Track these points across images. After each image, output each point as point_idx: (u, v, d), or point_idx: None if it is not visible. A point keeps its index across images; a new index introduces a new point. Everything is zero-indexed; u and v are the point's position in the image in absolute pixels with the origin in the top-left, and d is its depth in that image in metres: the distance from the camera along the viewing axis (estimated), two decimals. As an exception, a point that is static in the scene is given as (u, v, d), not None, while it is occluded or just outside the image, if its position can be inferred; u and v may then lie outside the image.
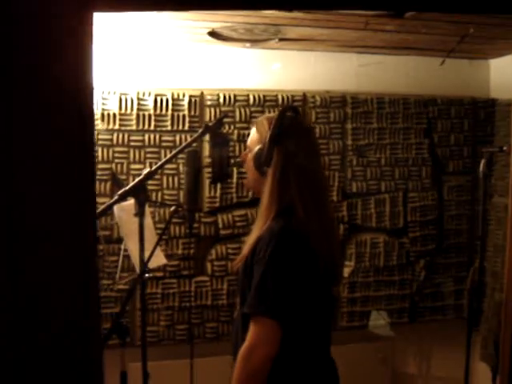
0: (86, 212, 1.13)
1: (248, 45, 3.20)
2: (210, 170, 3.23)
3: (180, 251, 3.28)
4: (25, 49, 1.08)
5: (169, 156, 2.26)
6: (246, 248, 1.95)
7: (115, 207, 2.44)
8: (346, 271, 3.55)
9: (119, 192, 2.10)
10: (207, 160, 3.23)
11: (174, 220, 3.20)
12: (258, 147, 2.00)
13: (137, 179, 2.15)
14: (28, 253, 1.11)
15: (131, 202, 2.27)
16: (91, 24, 1.11)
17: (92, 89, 1.13)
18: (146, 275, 2.31)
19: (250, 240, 1.94)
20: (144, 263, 2.26)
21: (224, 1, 1.13)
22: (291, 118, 2.03)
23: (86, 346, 1.15)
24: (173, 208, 2.49)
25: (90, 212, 1.14)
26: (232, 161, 3.25)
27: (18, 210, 1.08)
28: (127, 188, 2.12)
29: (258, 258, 1.85)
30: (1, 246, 1.08)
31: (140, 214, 2.12)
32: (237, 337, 2.00)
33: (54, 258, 1.12)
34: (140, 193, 2.11)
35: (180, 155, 2.99)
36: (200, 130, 2.29)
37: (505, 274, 1.35)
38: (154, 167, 2.21)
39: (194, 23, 2.72)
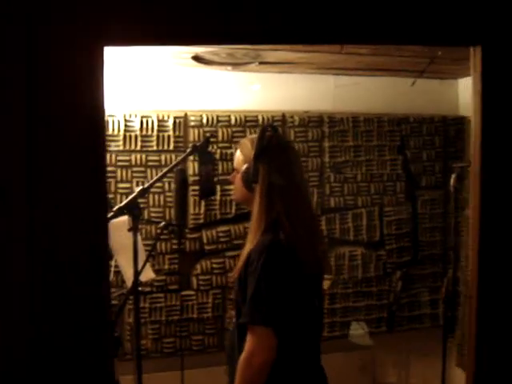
0: (98, 217, 1.26)
1: (229, 68, 3.32)
2: (195, 187, 3.35)
3: (166, 266, 3.39)
4: (45, 77, 1.21)
5: (160, 174, 2.38)
6: (239, 261, 2.08)
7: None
8: (326, 284, 3.66)
9: (114, 208, 2.21)
10: (191, 178, 3.36)
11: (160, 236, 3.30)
12: (244, 166, 2.13)
13: (131, 196, 2.26)
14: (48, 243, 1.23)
15: (124, 218, 2.38)
16: (102, 57, 1.24)
17: (104, 112, 1.26)
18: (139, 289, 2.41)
19: (243, 254, 2.07)
20: (136, 277, 2.36)
21: (221, 36, 1.27)
22: (271, 135, 2.17)
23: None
24: (162, 224, 2.60)
25: (102, 218, 1.28)
26: (216, 179, 3.37)
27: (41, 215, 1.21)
28: (122, 204, 2.23)
29: (250, 270, 1.97)
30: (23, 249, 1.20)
31: (134, 229, 2.23)
32: (232, 347, 2.12)
33: (70, 255, 1.24)
34: (134, 209, 2.23)
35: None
36: (188, 150, 2.41)
37: (469, 280, 1.49)
38: (146, 184, 2.32)
39: (179, 48, 2.83)
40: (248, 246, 2.06)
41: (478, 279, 1.39)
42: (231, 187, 3.26)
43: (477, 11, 1.38)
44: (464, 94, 3.92)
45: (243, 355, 1.95)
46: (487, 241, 1.41)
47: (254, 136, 2.19)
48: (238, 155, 2.22)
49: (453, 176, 3.35)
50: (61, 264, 1.24)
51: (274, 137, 2.16)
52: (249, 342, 1.95)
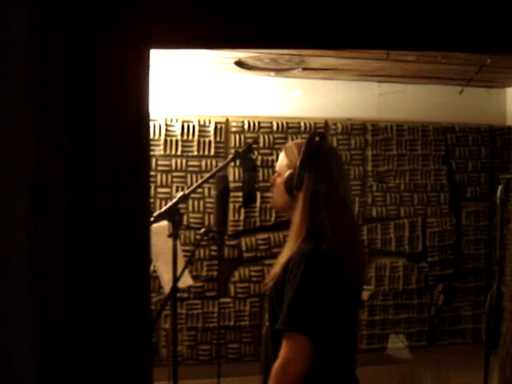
0: (140, 222, 1.23)
1: (272, 74, 3.29)
2: (235, 194, 3.32)
3: (204, 273, 3.36)
4: (90, 80, 1.19)
5: (202, 180, 2.35)
6: (277, 267, 2.02)
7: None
8: (366, 294, 3.60)
9: (155, 214, 2.19)
10: (232, 184, 3.32)
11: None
12: (288, 172, 2.08)
13: (171, 202, 2.24)
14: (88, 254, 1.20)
15: (164, 223, 2.36)
16: (148, 60, 1.22)
17: (149, 116, 1.23)
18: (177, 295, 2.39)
19: (281, 260, 2.02)
20: (175, 283, 2.33)
21: (268, 40, 1.24)
22: (320, 143, 2.11)
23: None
24: (203, 230, 2.57)
25: (145, 222, 1.25)
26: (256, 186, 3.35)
27: (83, 221, 1.18)
28: (162, 210, 2.21)
29: (289, 276, 1.92)
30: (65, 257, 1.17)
31: (174, 235, 2.20)
32: (266, 352, 2.07)
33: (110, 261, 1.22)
34: (175, 215, 2.21)
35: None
36: (230, 156, 2.39)
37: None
38: (187, 190, 2.30)
39: (222, 53, 2.82)
40: (286, 253, 2.01)
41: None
42: (271, 194, 3.23)
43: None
44: (512, 103, 3.83)
45: (278, 363, 1.90)
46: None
47: (301, 141, 2.14)
48: (283, 159, 2.17)
49: (499, 187, 3.25)
50: (101, 268, 1.22)
51: (321, 144, 2.11)
52: (284, 350, 1.89)
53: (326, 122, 3.55)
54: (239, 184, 3.31)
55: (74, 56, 1.17)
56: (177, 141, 3.32)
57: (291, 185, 2.04)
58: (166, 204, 2.46)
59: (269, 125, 3.45)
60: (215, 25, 1.24)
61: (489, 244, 3.80)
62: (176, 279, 2.28)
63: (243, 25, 1.25)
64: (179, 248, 2.77)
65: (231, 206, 3.34)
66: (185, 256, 3.02)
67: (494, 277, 3.61)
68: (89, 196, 1.20)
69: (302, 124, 3.49)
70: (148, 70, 1.22)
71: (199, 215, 3.33)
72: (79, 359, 1.21)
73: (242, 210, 3.38)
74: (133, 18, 1.19)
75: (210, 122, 3.36)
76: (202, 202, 3.33)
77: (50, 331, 1.19)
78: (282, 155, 2.18)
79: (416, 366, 3.75)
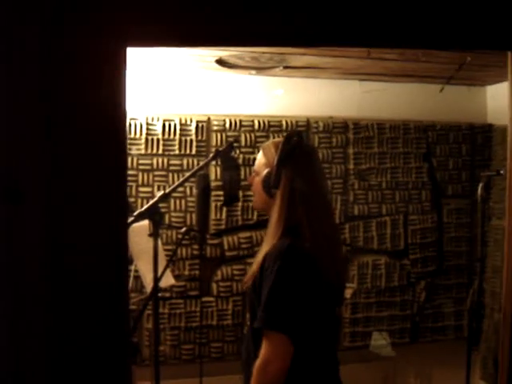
0: (118, 221, 1.22)
1: (254, 72, 3.29)
2: (216, 192, 3.31)
3: (187, 272, 3.35)
4: (66, 77, 1.17)
5: (182, 179, 2.34)
6: (254, 265, 2.03)
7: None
8: (348, 292, 3.61)
9: (135, 213, 2.17)
10: (213, 183, 3.31)
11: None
12: (266, 171, 2.08)
13: (152, 201, 2.23)
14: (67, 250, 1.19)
15: (145, 223, 2.34)
16: (125, 57, 1.21)
17: (125, 112, 1.22)
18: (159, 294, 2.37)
19: (258, 257, 2.02)
20: (156, 283, 2.32)
21: (246, 38, 1.23)
22: (297, 142, 2.11)
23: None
24: (184, 229, 2.56)
25: (122, 222, 1.24)
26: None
27: (60, 225, 1.17)
28: (142, 210, 2.20)
29: (266, 274, 1.92)
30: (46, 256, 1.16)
31: (155, 234, 2.19)
32: (247, 352, 2.06)
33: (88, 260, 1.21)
34: (155, 214, 2.19)
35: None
36: (211, 155, 2.37)
37: (502, 294, 1.43)
38: (167, 190, 2.29)
39: (203, 51, 2.81)
40: (263, 251, 2.01)
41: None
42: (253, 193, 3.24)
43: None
44: (492, 101, 3.85)
45: (258, 362, 1.89)
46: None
47: (279, 140, 2.14)
48: (260, 158, 2.17)
49: (480, 185, 3.27)
50: (79, 268, 1.21)
51: (299, 143, 2.10)
52: (264, 349, 1.89)
53: (308, 121, 3.55)
54: (221, 183, 3.31)
55: (50, 54, 1.16)
56: (158, 140, 3.30)
57: (269, 183, 2.04)
58: (147, 203, 2.44)
59: (250, 123, 3.44)
60: (191, 23, 1.23)
61: (470, 241, 3.81)
62: (157, 279, 2.26)
63: (220, 23, 1.25)
64: (160, 247, 2.75)
65: (213, 204, 3.33)
66: (166, 255, 3.01)
67: (475, 273, 3.63)
68: (66, 196, 1.19)
69: (284, 122, 3.48)
70: (125, 67, 1.21)
71: (181, 214, 3.32)
72: (59, 359, 1.20)
73: (224, 209, 3.37)
74: (109, 16, 1.18)
75: (191, 121, 3.35)
76: (183, 201, 3.32)
77: (27, 331, 1.18)
78: (259, 154, 2.18)
79: (399, 362, 3.76)
